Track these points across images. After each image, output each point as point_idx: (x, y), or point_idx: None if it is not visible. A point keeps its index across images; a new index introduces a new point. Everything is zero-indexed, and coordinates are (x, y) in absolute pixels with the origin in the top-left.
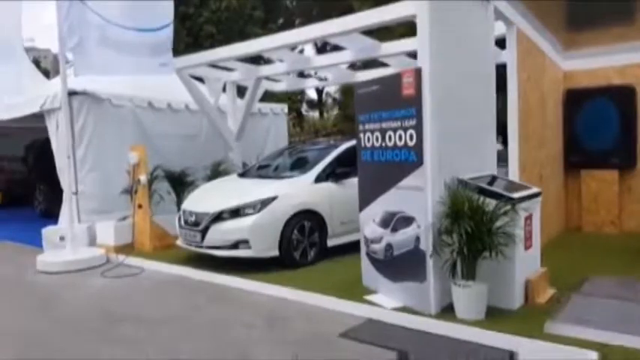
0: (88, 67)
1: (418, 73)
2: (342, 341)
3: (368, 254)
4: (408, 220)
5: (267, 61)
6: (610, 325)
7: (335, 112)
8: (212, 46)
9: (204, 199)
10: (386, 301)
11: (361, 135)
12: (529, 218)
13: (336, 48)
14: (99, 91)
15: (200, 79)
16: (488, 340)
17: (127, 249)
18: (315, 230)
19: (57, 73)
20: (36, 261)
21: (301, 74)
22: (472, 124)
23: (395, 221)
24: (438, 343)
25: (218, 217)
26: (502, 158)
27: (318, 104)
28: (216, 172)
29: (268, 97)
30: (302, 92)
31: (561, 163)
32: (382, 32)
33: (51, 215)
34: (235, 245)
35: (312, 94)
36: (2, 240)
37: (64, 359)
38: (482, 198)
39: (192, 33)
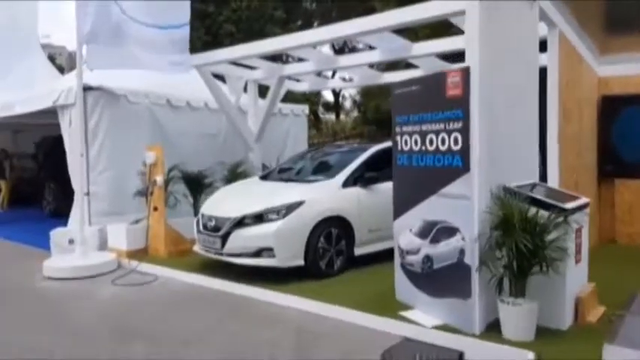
0: (102, 61)
1: (466, 72)
2: None
3: (403, 266)
4: (450, 231)
5: (286, 60)
6: None
7: (354, 114)
8: (231, 44)
9: (224, 202)
10: (424, 318)
11: (398, 138)
12: (579, 230)
13: (354, 49)
14: (115, 87)
15: (220, 78)
16: None
17: (140, 254)
18: (342, 238)
19: (72, 70)
20: (42, 266)
21: (323, 74)
22: (517, 128)
23: (435, 232)
24: None
25: (240, 222)
26: None
27: (335, 106)
28: (235, 173)
29: (284, 97)
30: (318, 94)
31: (595, 172)
32: (405, 34)
33: (60, 215)
34: (258, 253)
35: (328, 96)
36: (7, 240)
37: None
38: (533, 209)
39: (210, 31)
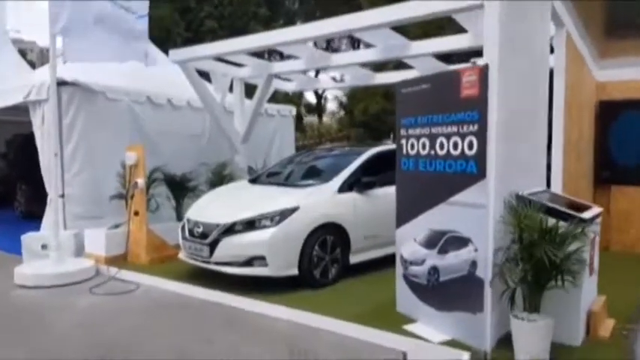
0: (79, 52)
1: (484, 70)
2: None
3: (406, 277)
4: (461, 242)
5: (275, 57)
6: None
7: (338, 116)
8: (213, 41)
9: (212, 207)
10: (429, 332)
11: (403, 141)
12: (593, 240)
13: (336, 50)
14: (92, 82)
15: (204, 76)
16: None
17: (120, 261)
18: (337, 246)
19: (43, 65)
20: (13, 273)
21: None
22: (529, 132)
23: (444, 242)
24: None
25: (230, 229)
26: None
27: (317, 108)
28: (221, 176)
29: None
30: (301, 95)
31: (591, 178)
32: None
33: (33, 217)
34: (249, 262)
35: (310, 98)
36: None
37: None
38: (549, 219)
39: (191, 28)
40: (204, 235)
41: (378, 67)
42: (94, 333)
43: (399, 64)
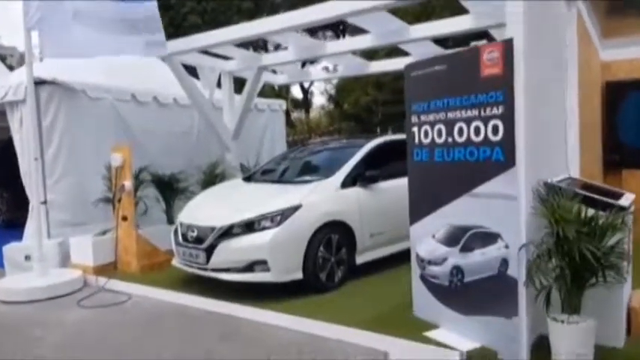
0: (57, 48)
1: (508, 46)
2: None
3: (424, 278)
4: (488, 238)
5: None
6: None
7: (326, 110)
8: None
9: (206, 209)
10: (454, 339)
11: (415, 129)
12: (629, 230)
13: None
14: (72, 80)
15: (190, 71)
16: None
17: (109, 270)
18: (342, 245)
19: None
20: None
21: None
22: (550, 113)
23: (467, 238)
24: None
25: (227, 232)
26: None
27: (304, 102)
28: (212, 175)
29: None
30: (287, 90)
31: (600, 162)
32: None
33: (16, 226)
34: (250, 267)
35: (296, 93)
36: None
37: None
38: (586, 209)
39: (174, 23)
40: (199, 240)
41: (369, 55)
42: (84, 350)
43: (391, 52)
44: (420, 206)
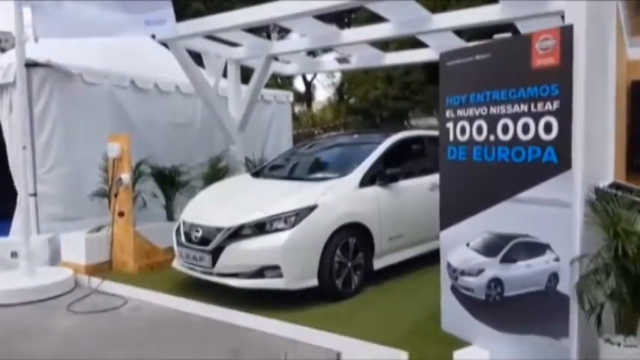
0: (50, 26)
1: (567, 33)
2: None
3: (455, 289)
4: (535, 248)
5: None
6: None
7: (332, 103)
8: None
9: (213, 207)
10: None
11: (450, 124)
12: None
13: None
14: (67, 63)
15: (196, 59)
16: None
17: (103, 270)
18: (359, 249)
19: None
20: None
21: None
22: (599, 113)
23: (510, 248)
24: None
25: (236, 233)
26: None
27: (307, 96)
28: (216, 169)
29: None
30: (289, 83)
31: (624, 165)
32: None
33: (2, 218)
34: (260, 273)
35: (298, 86)
36: None
37: None
38: None
39: (176, 10)
40: (204, 241)
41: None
42: None
43: (404, 44)
44: (454, 210)
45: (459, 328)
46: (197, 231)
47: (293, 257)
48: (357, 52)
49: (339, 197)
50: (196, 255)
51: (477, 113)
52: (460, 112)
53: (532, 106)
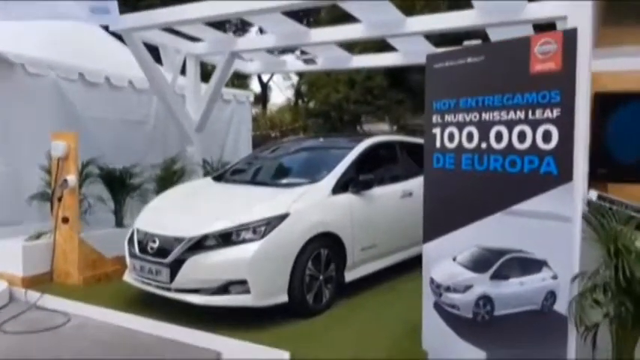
0: None
1: (570, 36)
2: None
3: (438, 306)
4: (530, 265)
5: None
6: None
7: (290, 105)
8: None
9: (171, 214)
10: None
11: (436, 130)
12: None
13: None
14: (7, 52)
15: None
16: None
17: (43, 282)
18: (331, 261)
19: None
20: None
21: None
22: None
23: (501, 264)
24: None
25: (198, 244)
26: None
27: (263, 97)
28: (171, 172)
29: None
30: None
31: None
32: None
33: None
34: (225, 288)
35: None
36: None
37: None
38: None
39: (128, 3)
40: (161, 253)
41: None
42: None
43: (368, 47)
44: (439, 222)
45: (441, 347)
46: (153, 241)
47: (262, 271)
48: (324, 53)
49: (311, 205)
50: (152, 268)
51: (467, 119)
52: (448, 118)
53: (529, 113)
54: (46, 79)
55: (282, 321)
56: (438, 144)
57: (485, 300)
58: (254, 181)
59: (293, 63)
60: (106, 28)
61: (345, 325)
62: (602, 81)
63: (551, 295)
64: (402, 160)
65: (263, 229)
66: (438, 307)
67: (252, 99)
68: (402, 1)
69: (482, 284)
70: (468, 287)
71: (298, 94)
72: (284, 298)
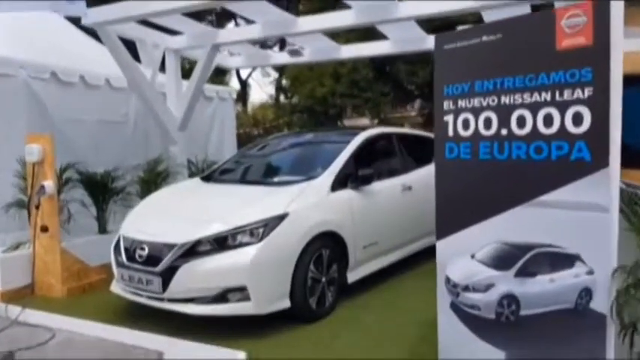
0: None
1: (603, 7)
2: None
3: (456, 307)
4: (560, 260)
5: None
6: None
7: (272, 101)
8: None
9: (159, 218)
10: None
11: (449, 117)
12: None
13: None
14: None
15: (129, 45)
16: None
17: (24, 296)
18: (333, 262)
19: None
20: None
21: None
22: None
23: (527, 260)
24: None
25: (192, 250)
26: None
27: (242, 94)
28: (155, 173)
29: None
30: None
31: None
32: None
33: None
34: (222, 296)
35: (233, 84)
36: None
37: None
38: None
39: None
40: (151, 261)
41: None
42: None
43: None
44: (454, 217)
45: (461, 353)
46: (142, 248)
47: (262, 276)
48: (311, 44)
49: (310, 204)
50: (142, 277)
51: (484, 104)
52: (462, 103)
53: (556, 94)
54: (16, 79)
55: (283, 327)
56: (450, 132)
57: (510, 299)
58: (246, 180)
59: (278, 56)
60: (77, 23)
61: (352, 330)
62: None
63: (587, 292)
64: (400, 153)
65: (261, 231)
66: (455, 307)
67: (234, 95)
68: None
69: (506, 282)
70: (489, 286)
71: (280, 89)
72: (286, 303)
